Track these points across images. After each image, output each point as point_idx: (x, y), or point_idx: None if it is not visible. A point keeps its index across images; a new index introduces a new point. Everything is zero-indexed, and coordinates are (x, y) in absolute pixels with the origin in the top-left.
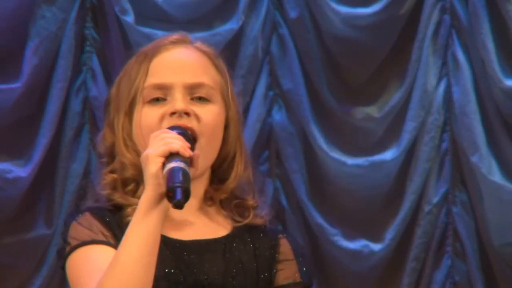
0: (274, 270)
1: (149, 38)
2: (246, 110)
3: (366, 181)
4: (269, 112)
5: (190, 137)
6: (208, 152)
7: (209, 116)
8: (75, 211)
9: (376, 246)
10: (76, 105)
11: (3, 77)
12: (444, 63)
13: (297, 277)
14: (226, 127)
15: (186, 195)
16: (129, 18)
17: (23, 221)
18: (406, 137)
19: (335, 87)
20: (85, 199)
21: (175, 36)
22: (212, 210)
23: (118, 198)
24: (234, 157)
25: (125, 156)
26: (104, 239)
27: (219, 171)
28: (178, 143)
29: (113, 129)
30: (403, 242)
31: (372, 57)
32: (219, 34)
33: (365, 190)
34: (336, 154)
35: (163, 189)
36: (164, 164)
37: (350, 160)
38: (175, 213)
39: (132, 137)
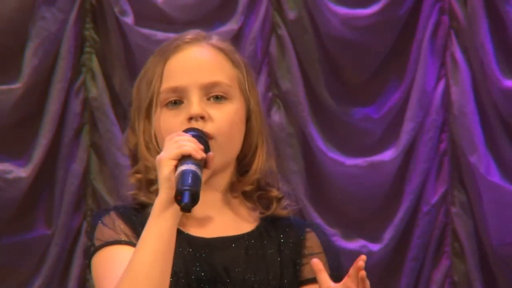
0: (300, 265)
1: (149, 39)
2: None
3: (364, 181)
4: (268, 112)
5: (206, 138)
6: (227, 149)
7: (225, 116)
8: (102, 210)
9: (375, 246)
10: (76, 105)
11: (3, 77)
12: (443, 64)
13: (326, 271)
14: (248, 119)
15: (194, 199)
16: (129, 19)
17: (23, 221)
18: (404, 137)
19: (334, 87)
20: (84, 199)
21: (189, 35)
22: (236, 202)
23: (142, 197)
24: (256, 149)
25: (148, 159)
26: (126, 239)
27: (242, 163)
28: (190, 146)
29: (135, 131)
30: (402, 242)
31: (370, 58)
32: (218, 35)
33: (364, 191)
34: (335, 155)
35: (174, 192)
36: (176, 167)
37: (348, 161)
38: (198, 210)
39: (153, 140)
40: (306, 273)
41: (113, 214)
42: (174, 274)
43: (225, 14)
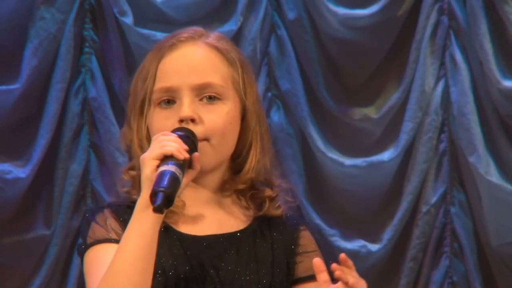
0: (293, 264)
1: (148, 40)
2: None
3: (364, 181)
4: (267, 113)
5: (193, 138)
6: (220, 150)
7: (217, 117)
8: (96, 208)
9: (374, 247)
10: (75, 106)
11: (2, 78)
12: (442, 64)
13: None
14: (243, 118)
15: (168, 201)
16: (128, 20)
17: (22, 221)
18: (404, 137)
19: (333, 88)
20: (84, 199)
21: (185, 33)
22: (228, 200)
23: (135, 195)
24: (250, 147)
25: (140, 157)
26: (116, 237)
27: (236, 162)
28: (173, 146)
29: (130, 127)
30: (401, 242)
31: (370, 58)
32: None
33: (363, 191)
34: (334, 155)
35: None
36: (158, 167)
37: (348, 161)
38: (190, 208)
39: (145, 138)
40: (299, 272)
41: (106, 212)
42: (163, 272)
43: (225, 14)
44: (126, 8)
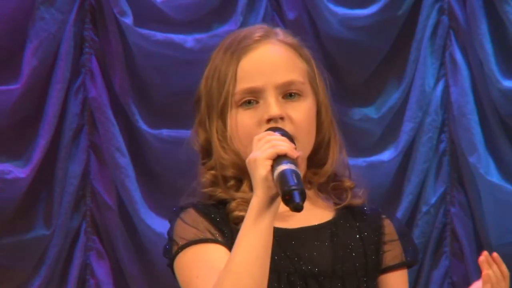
0: (382, 252)
1: (148, 40)
2: None
3: (363, 181)
4: None
5: (292, 138)
6: (306, 147)
7: (302, 114)
8: (179, 208)
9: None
10: (75, 106)
11: (2, 78)
12: (442, 64)
13: (403, 257)
14: (318, 113)
15: (303, 197)
16: (128, 20)
17: (22, 222)
18: (404, 137)
19: (333, 88)
20: (83, 200)
21: (257, 32)
22: (311, 193)
23: (220, 193)
24: (329, 141)
25: (224, 157)
26: (211, 237)
27: (316, 157)
28: (285, 145)
29: (205, 127)
30: None
31: (370, 58)
32: (218, 35)
33: None
34: None
35: (273, 191)
36: (272, 167)
37: (347, 161)
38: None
39: (227, 139)
40: (387, 260)
41: (192, 212)
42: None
43: (224, 15)
44: (126, 8)
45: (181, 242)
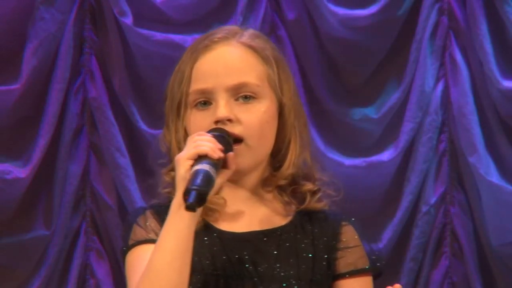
0: (335, 259)
1: (148, 40)
2: None
3: (363, 181)
4: None
5: (229, 139)
6: (258, 150)
7: (254, 116)
8: (139, 209)
9: (374, 247)
10: (75, 106)
11: (2, 78)
12: (442, 64)
13: (359, 264)
14: (280, 114)
15: (200, 199)
16: (128, 20)
17: (22, 222)
18: (403, 138)
19: (333, 88)
20: (83, 200)
21: (219, 33)
22: (270, 196)
23: (174, 195)
24: (289, 143)
25: None
26: (156, 237)
27: (276, 158)
28: (207, 146)
29: (169, 129)
30: (401, 242)
31: (370, 58)
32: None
33: (363, 191)
34: (334, 155)
35: None
36: (192, 167)
37: (347, 161)
38: (230, 206)
39: (183, 140)
40: (340, 268)
41: (147, 213)
42: (202, 270)
43: (224, 15)
44: (126, 8)
45: (129, 242)
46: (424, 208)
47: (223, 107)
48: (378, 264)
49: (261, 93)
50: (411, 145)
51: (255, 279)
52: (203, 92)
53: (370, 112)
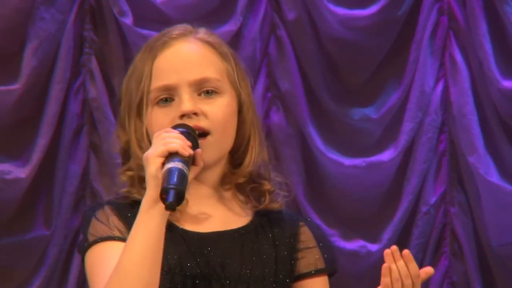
0: (295, 259)
1: (148, 40)
2: None
3: (363, 181)
4: (267, 113)
5: (194, 134)
6: (222, 144)
7: (218, 109)
8: (96, 205)
9: (374, 247)
10: (75, 106)
11: (2, 78)
12: (442, 64)
13: (319, 264)
14: (240, 111)
15: (179, 197)
16: (128, 20)
17: (22, 222)
18: (403, 137)
19: (333, 88)
20: (83, 200)
21: (176, 30)
22: (228, 195)
23: (135, 194)
24: (249, 140)
25: (140, 157)
26: (120, 235)
27: (236, 155)
28: (177, 143)
29: (125, 129)
30: (401, 242)
31: (369, 58)
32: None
33: (363, 191)
34: (334, 155)
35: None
36: (163, 164)
37: (347, 161)
38: (193, 206)
39: (145, 138)
40: (301, 268)
41: (107, 209)
42: (169, 270)
43: (224, 15)
44: (126, 8)
45: (90, 238)
46: (424, 208)
47: (187, 101)
48: (334, 263)
49: (222, 88)
50: (411, 145)
51: (223, 280)
52: (166, 88)
53: (370, 112)
